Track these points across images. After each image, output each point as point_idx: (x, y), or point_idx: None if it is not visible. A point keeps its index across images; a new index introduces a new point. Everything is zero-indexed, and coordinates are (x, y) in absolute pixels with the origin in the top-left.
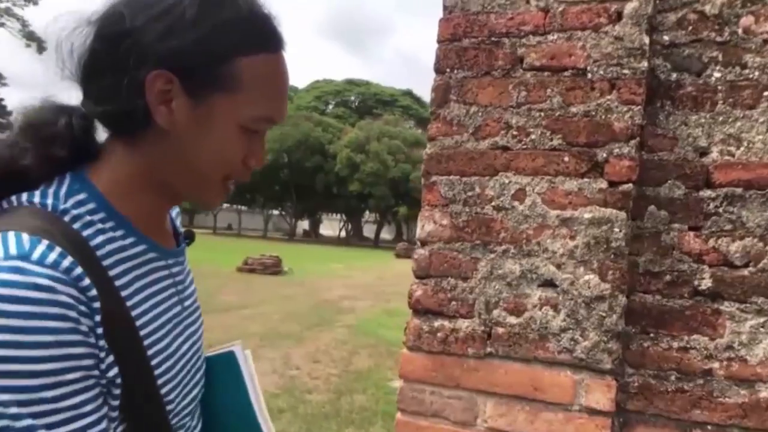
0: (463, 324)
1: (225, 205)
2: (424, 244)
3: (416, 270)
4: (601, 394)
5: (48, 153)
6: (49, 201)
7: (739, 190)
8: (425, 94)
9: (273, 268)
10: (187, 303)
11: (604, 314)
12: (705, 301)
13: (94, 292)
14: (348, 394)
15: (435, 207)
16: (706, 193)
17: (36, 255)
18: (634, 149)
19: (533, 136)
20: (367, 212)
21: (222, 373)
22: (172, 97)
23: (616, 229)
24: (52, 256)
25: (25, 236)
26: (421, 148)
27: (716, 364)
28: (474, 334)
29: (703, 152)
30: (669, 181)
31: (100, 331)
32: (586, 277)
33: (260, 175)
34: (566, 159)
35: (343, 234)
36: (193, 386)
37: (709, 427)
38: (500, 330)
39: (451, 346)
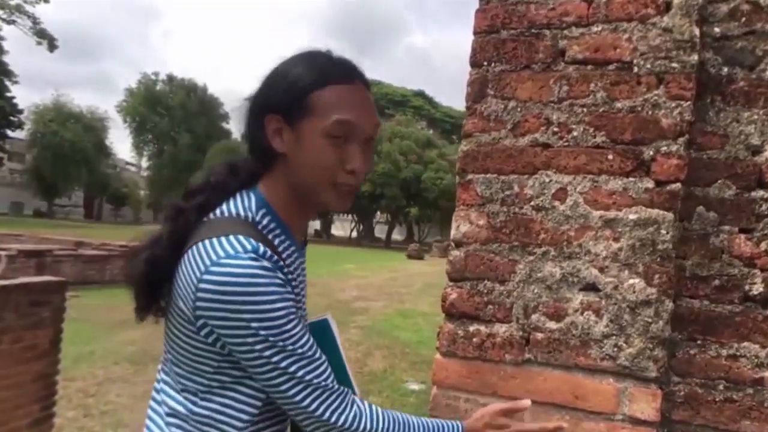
0: (500, 329)
1: None
2: (459, 245)
3: (451, 272)
4: (645, 404)
5: (238, 180)
6: (248, 213)
7: None
8: (437, 94)
9: None
10: (304, 284)
11: (649, 320)
12: (756, 307)
13: (288, 275)
14: (363, 396)
15: (471, 207)
16: (759, 193)
17: (260, 250)
18: (682, 147)
19: (575, 133)
20: (379, 213)
21: (319, 335)
22: (282, 130)
23: (663, 231)
24: (267, 253)
25: (250, 239)
26: (433, 149)
27: (767, 374)
28: (512, 340)
29: (756, 151)
30: (719, 181)
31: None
32: (631, 281)
33: None
34: (610, 157)
35: (354, 234)
36: None
37: None
38: (539, 335)
39: (487, 352)
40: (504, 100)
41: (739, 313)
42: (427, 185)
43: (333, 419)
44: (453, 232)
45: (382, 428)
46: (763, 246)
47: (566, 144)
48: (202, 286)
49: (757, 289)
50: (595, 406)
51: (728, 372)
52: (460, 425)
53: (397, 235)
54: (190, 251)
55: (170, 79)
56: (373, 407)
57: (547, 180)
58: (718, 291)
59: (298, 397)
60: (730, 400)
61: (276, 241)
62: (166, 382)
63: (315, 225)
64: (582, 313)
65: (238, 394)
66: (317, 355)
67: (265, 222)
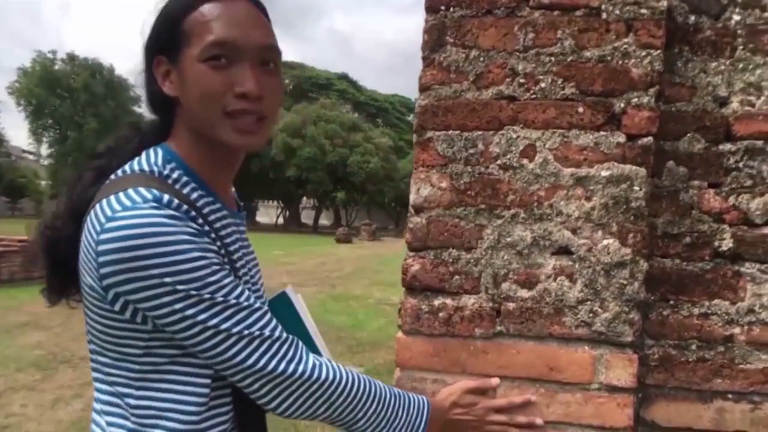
0: (469, 301)
1: None
2: (419, 211)
3: (411, 241)
4: (622, 370)
5: (144, 139)
6: (154, 168)
7: (759, 143)
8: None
9: None
10: (250, 258)
11: (624, 282)
12: (725, 264)
13: (206, 228)
14: None
15: (431, 168)
16: (727, 146)
17: (165, 199)
18: (653, 99)
19: (543, 84)
20: (305, 198)
21: (280, 312)
22: (170, 72)
23: (636, 188)
24: (174, 201)
25: (152, 189)
26: (359, 133)
27: (737, 330)
28: (481, 312)
29: (723, 102)
30: (688, 135)
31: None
32: (605, 242)
33: None
34: (580, 110)
35: (281, 221)
36: None
37: (730, 396)
38: (511, 305)
39: (455, 327)
40: (465, 48)
41: (710, 271)
42: (353, 169)
43: (286, 370)
44: (412, 197)
45: (347, 382)
46: (731, 200)
47: (534, 96)
48: (101, 248)
49: (726, 244)
50: (571, 376)
51: (700, 331)
52: (426, 400)
53: (325, 220)
54: (87, 218)
55: (71, 58)
56: (338, 364)
57: (514, 136)
58: (689, 249)
59: (240, 356)
60: (703, 359)
61: (194, 196)
62: (96, 378)
63: None
64: (555, 279)
65: (178, 376)
66: (256, 305)
67: (175, 176)
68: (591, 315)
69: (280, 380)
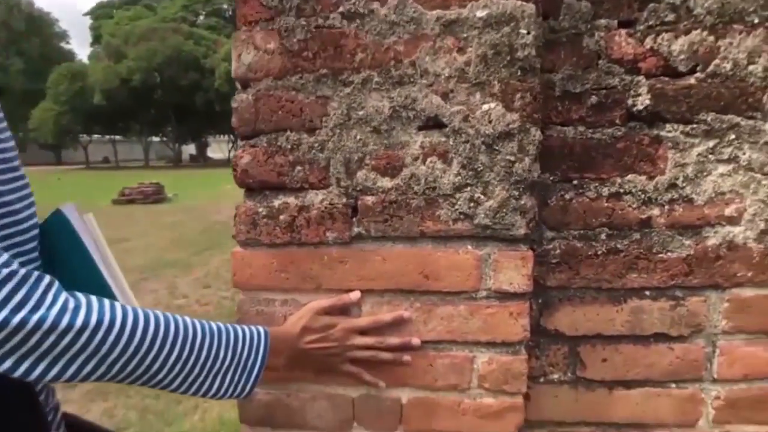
0: (316, 198)
1: (95, 137)
2: (245, 84)
3: (238, 125)
4: (514, 272)
5: None
6: None
7: None
8: None
9: (155, 196)
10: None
11: (512, 158)
12: (641, 128)
13: None
14: None
15: (254, 24)
16: None
17: None
18: None
19: None
20: None
21: (54, 237)
22: None
23: (523, 31)
24: None
25: None
26: None
27: (656, 211)
28: (332, 211)
29: None
30: None
31: None
32: (485, 107)
33: (132, 99)
34: None
35: (232, 155)
36: None
37: (647, 293)
38: (370, 200)
39: (301, 233)
40: None
41: (622, 138)
42: None
43: (9, 320)
44: (234, 66)
45: (124, 325)
46: (648, 43)
47: None
48: None
49: (643, 102)
50: (452, 284)
51: (611, 216)
52: (263, 331)
53: None
54: None
55: None
56: (121, 305)
57: None
58: (595, 111)
59: None
60: (614, 250)
61: None
62: None
63: (190, 150)
64: (424, 161)
65: None
66: None
67: None
68: (472, 204)
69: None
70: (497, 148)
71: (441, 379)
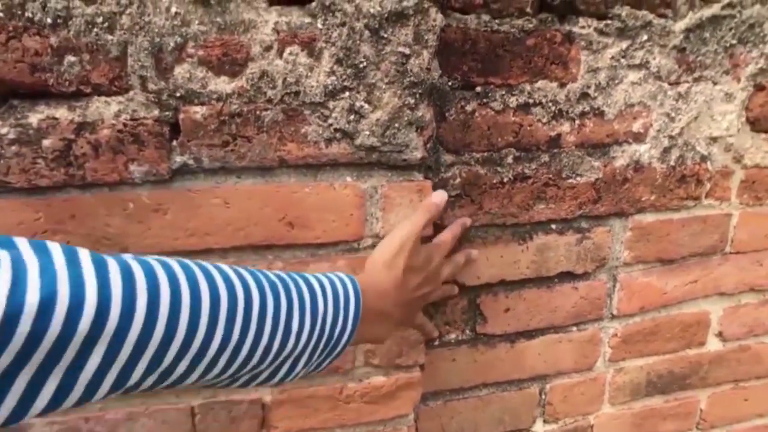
0: (107, 109)
1: None
2: None
3: None
4: (409, 210)
5: None
6: None
7: None
8: None
9: None
10: None
11: (406, 51)
12: (553, 21)
13: None
14: None
15: None
16: None
17: None
18: None
19: None
20: None
21: None
22: None
23: None
24: None
25: None
26: None
27: (566, 127)
28: (137, 130)
29: None
30: None
31: None
32: None
33: None
34: None
35: None
36: None
37: (553, 227)
38: (198, 111)
39: (85, 168)
40: None
41: (533, 32)
42: None
43: None
44: None
45: (156, 285)
46: None
47: None
48: None
49: None
50: (326, 232)
51: (518, 134)
52: (347, 281)
53: None
54: None
55: None
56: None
57: None
58: None
59: None
60: (522, 177)
61: None
62: None
63: None
64: (281, 53)
65: None
66: None
67: None
68: (352, 117)
69: None
70: (385, 35)
71: None
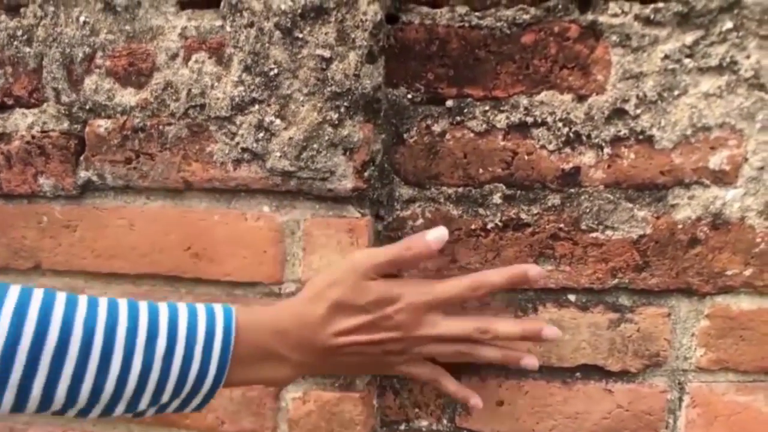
0: (23, 121)
1: None
2: None
3: None
4: (336, 253)
5: None
6: None
7: None
8: None
9: None
10: None
11: (327, 54)
12: (566, 8)
13: None
14: None
15: None
16: None
17: None
18: None
19: None
20: None
21: None
22: None
23: None
24: None
25: None
26: None
27: (589, 157)
28: (43, 143)
29: None
30: None
31: None
32: None
33: None
34: None
35: None
36: None
37: (571, 298)
38: (102, 125)
39: (0, 178)
40: None
41: (532, 25)
42: None
43: None
44: None
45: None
46: None
47: None
48: None
49: None
50: (236, 270)
51: (511, 164)
52: (220, 316)
53: None
54: None
55: None
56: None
57: None
58: None
59: None
60: (517, 223)
61: None
62: None
63: None
64: (187, 60)
65: None
66: None
67: None
68: (261, 135)
69: None
70: (300, 35)
71: (229, 421)
